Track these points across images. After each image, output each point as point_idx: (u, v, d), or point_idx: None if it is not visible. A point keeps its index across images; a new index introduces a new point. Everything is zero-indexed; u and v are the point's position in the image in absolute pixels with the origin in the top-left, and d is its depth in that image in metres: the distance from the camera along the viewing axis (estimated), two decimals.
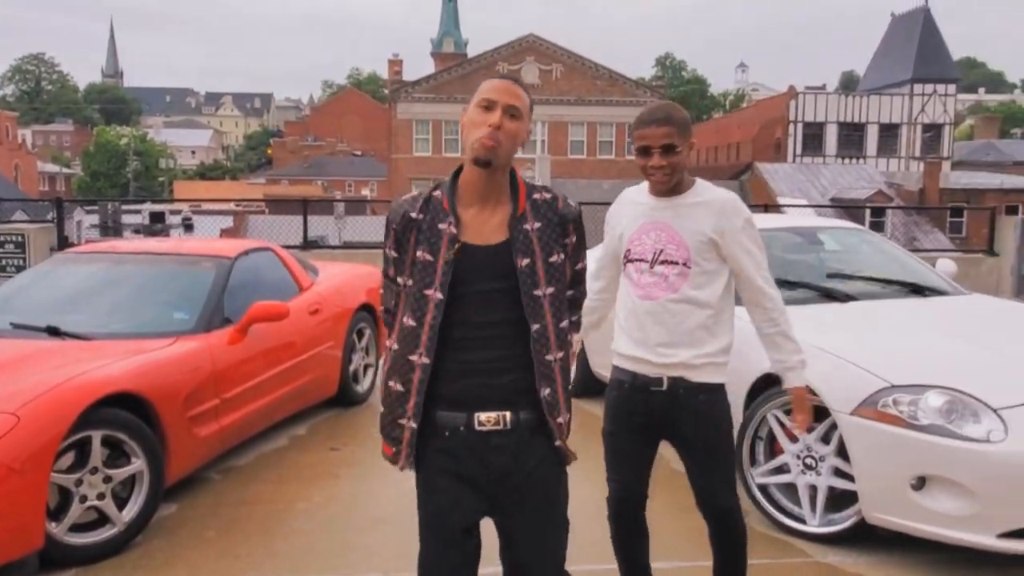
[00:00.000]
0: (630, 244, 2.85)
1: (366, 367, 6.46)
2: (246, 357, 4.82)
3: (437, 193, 2.23)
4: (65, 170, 77.77)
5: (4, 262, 10.14)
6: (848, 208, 28.89)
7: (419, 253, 2.18)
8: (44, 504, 3.45)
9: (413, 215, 2.21)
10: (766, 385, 4.14)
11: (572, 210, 2.26)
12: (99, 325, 4.60)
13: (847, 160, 40.65)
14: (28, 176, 53.70)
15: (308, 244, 12.10)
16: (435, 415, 2.19)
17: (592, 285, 2.93)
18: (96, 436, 3.71)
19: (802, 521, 3.95)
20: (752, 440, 4.16)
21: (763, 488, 4.11)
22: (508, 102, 2.14)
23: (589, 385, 6.06)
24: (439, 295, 2.14)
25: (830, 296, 4.78)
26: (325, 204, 30.15)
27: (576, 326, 2.41)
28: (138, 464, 3.87)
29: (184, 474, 4.38)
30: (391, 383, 2.24)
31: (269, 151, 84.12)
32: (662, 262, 2.78)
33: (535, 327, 2.16)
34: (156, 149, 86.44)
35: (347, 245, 19.11)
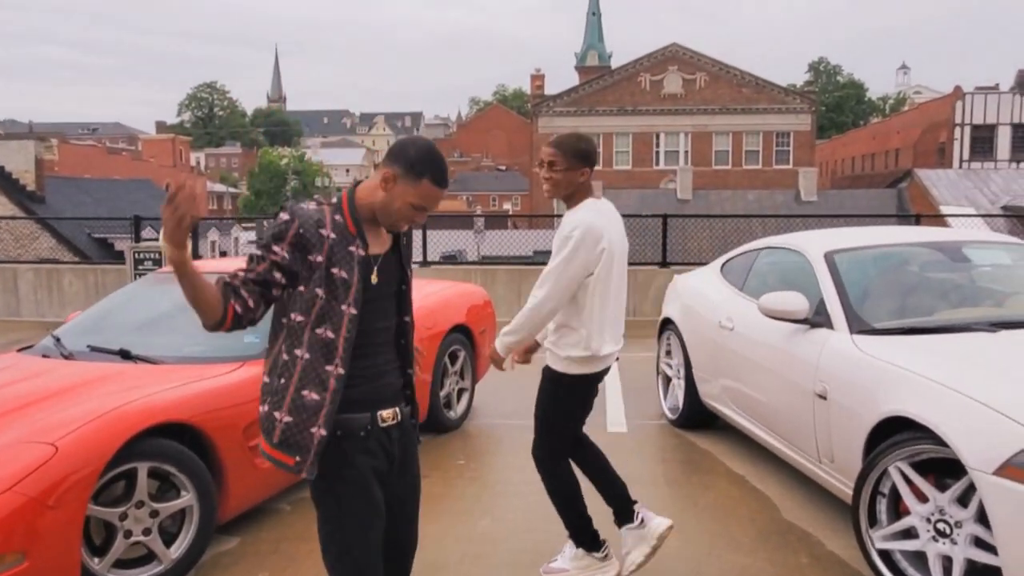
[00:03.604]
0: None
1: (460, 391, 6.13)
2: None
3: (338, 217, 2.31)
4: (232, 190, 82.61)
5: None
6: (1023, 217, 26.34)
7: (334, 271, 2.25)
8: (79, 540, 3.26)
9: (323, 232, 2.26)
10: (889, 431, 3.50)
11: None
12: (170, 348, 4.48)
13: (1022, 164, 37.25)
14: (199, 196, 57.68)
15: (428, 262, 11.93)
16: (344, 418, 2.30)
17: None
18: (142, 468, 3.52)
19: None
20: (872, 495, 3.51)
21: (885, 554, 3.45)
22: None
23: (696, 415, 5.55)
24: (353, 310, 2.27)
25: (974, 324, 3.99)
26: (466, 219, 30.46)
27: None
28: (188, 498, 3.67)
29: (246, 507, 4.18)
30: (304, 393, 2.26)
31: None
32: None
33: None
34: (313, 168, 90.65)
35: (485, 260, 19.08)
